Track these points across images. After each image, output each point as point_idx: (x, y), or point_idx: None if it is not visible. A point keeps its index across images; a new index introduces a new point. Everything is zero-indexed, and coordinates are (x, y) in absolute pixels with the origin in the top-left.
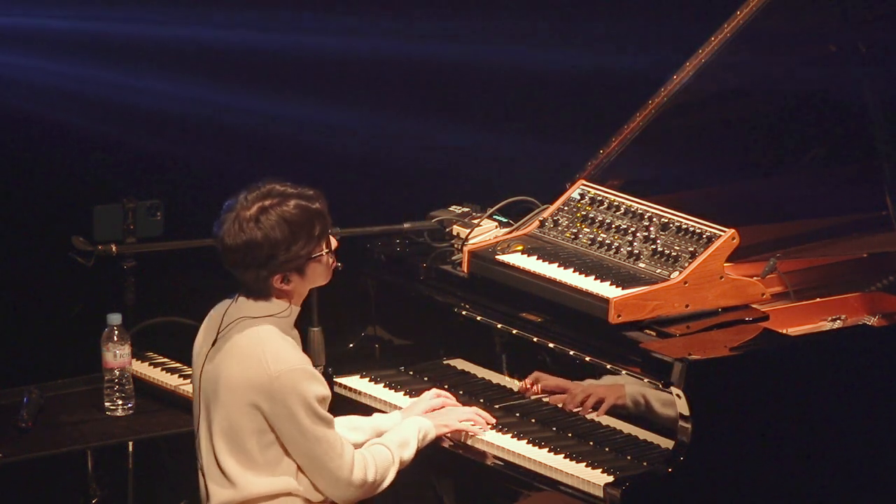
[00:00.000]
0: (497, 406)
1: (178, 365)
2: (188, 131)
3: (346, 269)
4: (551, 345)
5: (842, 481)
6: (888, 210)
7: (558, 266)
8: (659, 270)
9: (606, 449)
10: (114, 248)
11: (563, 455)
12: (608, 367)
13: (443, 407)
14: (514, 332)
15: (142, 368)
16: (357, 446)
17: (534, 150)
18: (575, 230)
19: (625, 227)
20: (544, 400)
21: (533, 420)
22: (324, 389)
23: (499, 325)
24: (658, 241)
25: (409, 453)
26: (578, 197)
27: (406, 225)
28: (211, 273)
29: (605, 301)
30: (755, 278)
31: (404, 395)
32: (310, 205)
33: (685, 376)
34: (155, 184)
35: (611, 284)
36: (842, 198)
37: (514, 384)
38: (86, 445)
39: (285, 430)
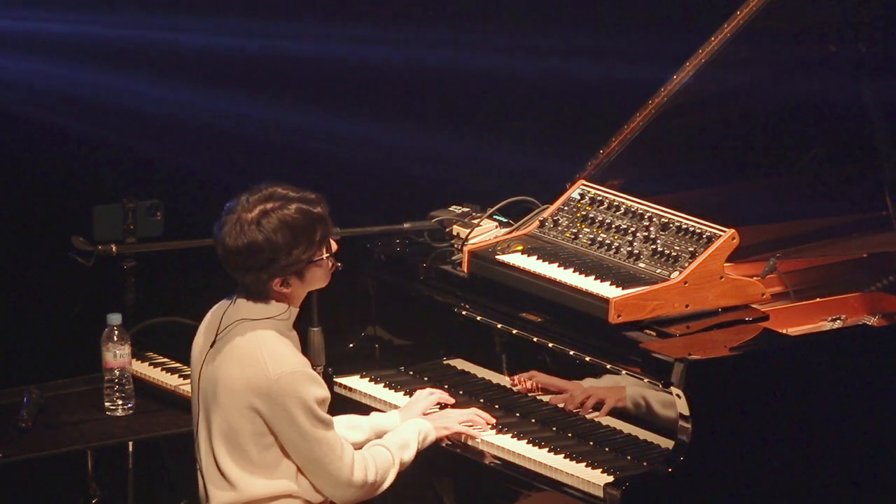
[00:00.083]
0: (497, 406)
1: (178, 365)
2: (188, 132)
3: (346, 269)
4: (551, 345)
5: (842, 481)
6: (888, 210)
7: (558, 266)
8: (659, 270)
9: (606, 449)
10: (114, 248)
11: (563, 455)
12: (608, 367)
13: (438, 404)
14: (514, 332)
15: (142, 368)
16: (356, 445)
17: (528, 157)
18: (575, 230)
19: (625, 227)
20: (543, 399)
21: (533, 420)
22: (323, 391)
23: (499, 325)
24: (658, 241)
25: (409, 455)
26: (578, 197)
27: (406, 225)
28: (211, 273)
29: (605, 301)
30: (755, 278)
31: (404, 394)
32: (311, 209)
33: (685, 376)
34: (155, 184)
35: (611, 284)
36: (842, 198)
37: (514, 379)
38: (86, 445)
39: (285, 432)
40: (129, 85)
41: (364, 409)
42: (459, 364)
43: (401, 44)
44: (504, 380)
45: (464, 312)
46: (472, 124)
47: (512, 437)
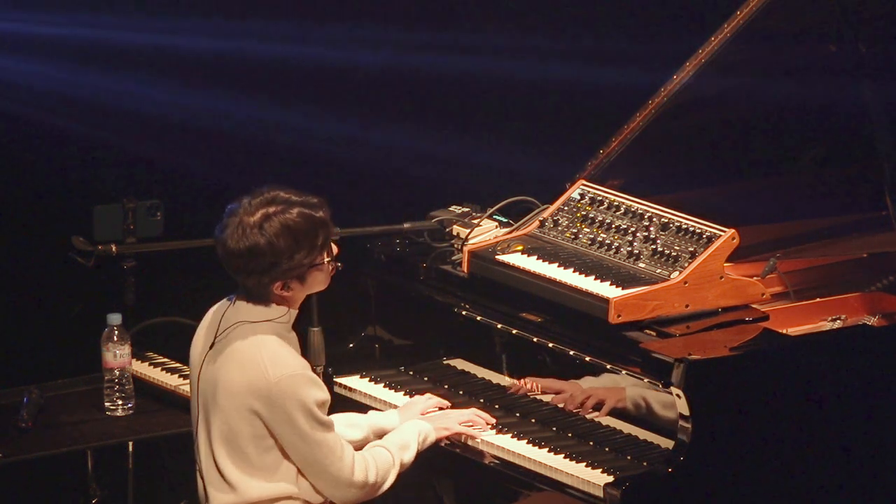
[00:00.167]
0: (497, 406)
1: (178, 365)
2: (188, 133)
3: (346, 269)
4: (551, 345)
5: (842, 481)
6: (888, 210)
7: (558, 266)
8: (659, 270)
9: (606, 449)
10: (114, 248)
11: (563, 455)
12: (608, 367)
13: (438, 409)
14: (514, 332)
15: (142, 368)
16: (353, 443)
17: (527, 159)
18: (575, 230)
19: (625, 227)
20: (543, 399)
21: (533, 420)
22: (323, 394)
23: (499, 325)
24: (658, 241)
25: (409, 456)
26: (578, 197)
27: (406, 225)
28: (211, 273)
29: (605, 301)
30: (755, 278)
31: (404, 394)
32: (313, 213)
33: (685, 376)
34: (155, 184)
35: (611, 284)
36: (842, 198)
37: (514, 384)
38: (86, 445)
39: (285, 435)
40: (129, 86)
41: (364, 410)
42: (459, 364)
43: (400, 46)
44: (504, 380)
45: (464, 312)
46: (472, 126)
47: (512, 437)
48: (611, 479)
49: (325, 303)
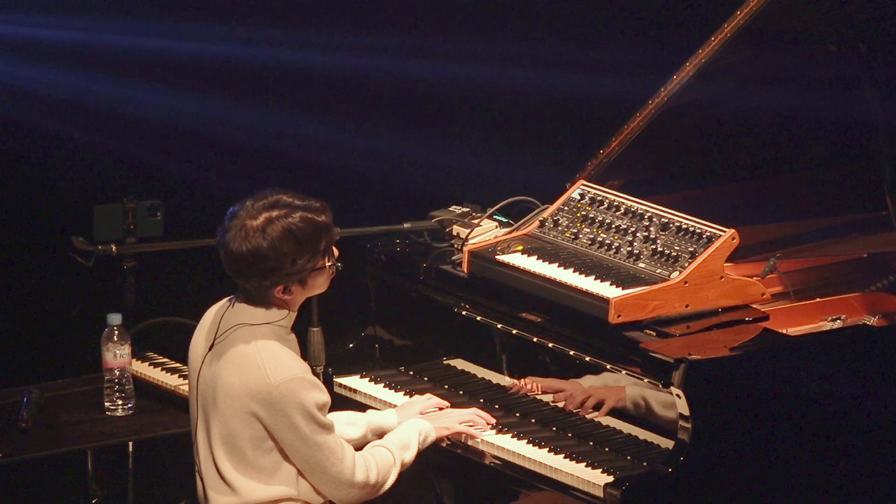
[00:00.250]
0: (497, 406)
1: (178, 365)
2: (188, 134)
3: (346, 269)
4: (551, 345)
5: (842, 481)
6: (888, 210)
7: (558, 266)
8: (659, 270)
9: (606, 449)
10: (114, 248)
11: (563, 455)
12: (608, 367)
13: (438, 409)
14: (514, 332)
15: (142, 368)
16: (352, 441)
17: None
18: (575, 230)
19: (625, 227)
20: (543, 399)
21: (533, 420)
22: (323, 396)
23: (499, 325)
24: (658, 241)
25: (410, 455)
26: (578, 197)
27: (406, 225)
28: (211, 273)
29: (605, 301)
30: (755, 278)
31: (404, 395)
32: (316, 217)
33: (685, 376)
34: (155, 184)
35: (611, 284)
36: (842, 198)
37: (514, 384)
38: (86, 445)
39: (286, 438)
40: (130, 89)
41: (363, 410)
42: (459, 364)
43: (397, 54)
44: (504, 380)
45: (464, 312)
46: (470, 133)
47: (512, 437)
48: (611, 479)
49: (325, 303)
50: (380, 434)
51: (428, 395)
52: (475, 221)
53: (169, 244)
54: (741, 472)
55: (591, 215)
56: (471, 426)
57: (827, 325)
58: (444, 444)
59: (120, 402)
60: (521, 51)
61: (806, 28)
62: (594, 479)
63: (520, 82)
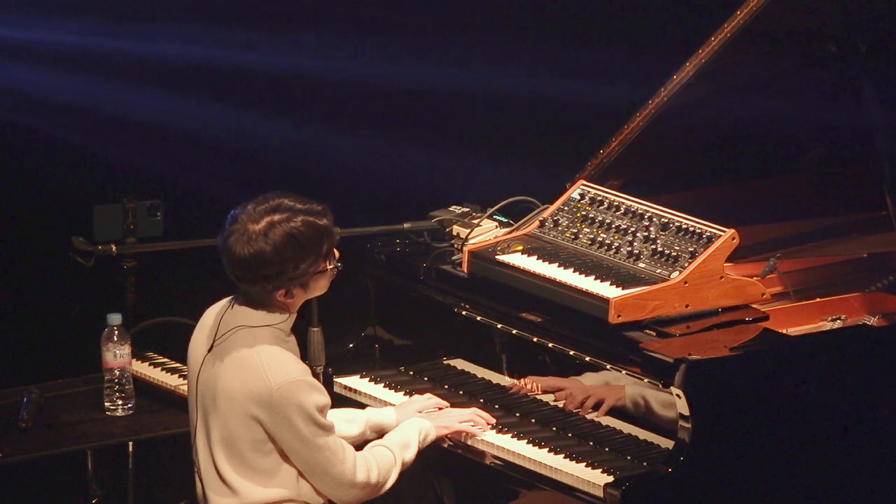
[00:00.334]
0: (497, 406)
1: (178, 365)
2: (188, 134)
3: (346, 269)
4: (551, 345)
5: (842, 481)
6: (888, 210)
7: (558, 266)
8: (659, 270)
9: (606, 449)
10: (114, 248)
11: (563, 455)
12: (608, 367)
13: (437, 409)
14: (514, 332)
15: (142, 368)
16: (350, 438)
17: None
18: (575, 230)
19: (625, 227)
20: (543, 399)
21: (533, 420)
22: (324, 398)
23: (499, 325)
24: (658, 241)
25: (410, 455)
26: (578, 197)
27: (406, 225)
28: (211, 273)
29: (605, 301)
30: (755, 278)
31: (404, 395)
32: (317, 221)
33: (685, 376)
34: (155, 184)
35: (611, 284)
36: (842, 198)
37: (514, 384)
38: (86, 445)
39: (286, 440)
40: (130, 93)
41: (363, 409)
42: (459, 364)
43: (396, 57)
44: (504, 380)
45: (464, 312)
46: (470, 135)
47: (512, 437)
48: (611, 479)
49: (325, 303)
50: (378, 431)
51: (428, 395)
52: (475, 221)
53: (169, 244)
54: (741, 471)
55: (591, 215)
56: (471, 426)
57: (827, 325)
58: (444, 444)
59: (120, 402)
60: (520, 54)
61: (806, 28)
62: (594, 479)
63: (519, 87)
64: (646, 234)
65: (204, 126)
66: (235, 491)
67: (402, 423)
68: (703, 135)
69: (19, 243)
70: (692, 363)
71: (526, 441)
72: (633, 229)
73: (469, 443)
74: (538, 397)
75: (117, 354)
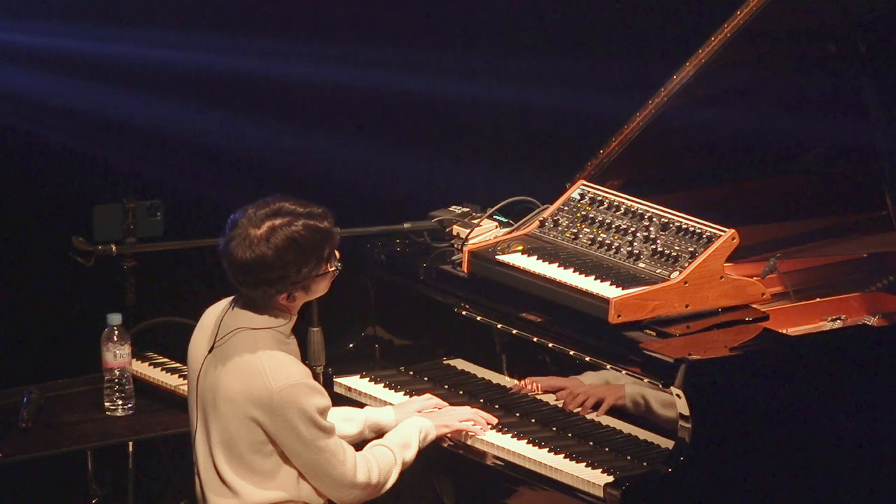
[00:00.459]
0: (497, 406)
1: (178, 365)
2: (189, 135)
3: (346, 269)
4: (551, 345)
5: (842, 481)
6: (888, 210)
7: (558, 266)
8: (659, 270)
9: (606, 449)
10: (114, 248)
11: (563, 455)
12: (608, 367)
13: (436, 408)
14: (514, 332)
15: (142, 368)
16: (349, 437)
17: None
18: (575, 230)
19: (625, 227)
20: (543, 399)
21: (533, 420)
22: (324, 401)
23: (499, 325)
24: (658, 241)
25: (410, 454)
26: (578, 197)
27: (406, 225)
28: (211, 273)
29: (605, 301)
30: (755, 278)
31: (404, 395)
32: (318, 224)
33: (685, 376)
34: (155, 184)
35: (611, 284)
36: (842, 198)
37: (515, 384)
38: (86, 445)
39: (287, 442)
40: (131, 97)
41: (362, 408)
42: (459, 364)
43: (395, 65)
44: (504, 380)
45: (464, 312)
46: (471, 138)
47: (512, 437)
48: (611, 479)
49: (325, 303)
50: (377, 431)
51: (427, 395)
52: (475, 221)
53: (169, 244)
54: (741, 471)
55: (591, 215)
56: (472, 425)
57: (827, 325)
58: (445, 444)
59: (120, 402)
60: (520, 63)
61: (806, 28)
62: (594, 479)
63: (519, 96)
64: (646, 234)
65: (203, 130)
66: (235, 492)
67: (402, 422)
68: (703, 135)
69: (20, 243)
70: (692, 363)
71: (526, 441)
72: (633, 229)
73: (469, 443)
74: (538, 397)
75: (117, 354)
